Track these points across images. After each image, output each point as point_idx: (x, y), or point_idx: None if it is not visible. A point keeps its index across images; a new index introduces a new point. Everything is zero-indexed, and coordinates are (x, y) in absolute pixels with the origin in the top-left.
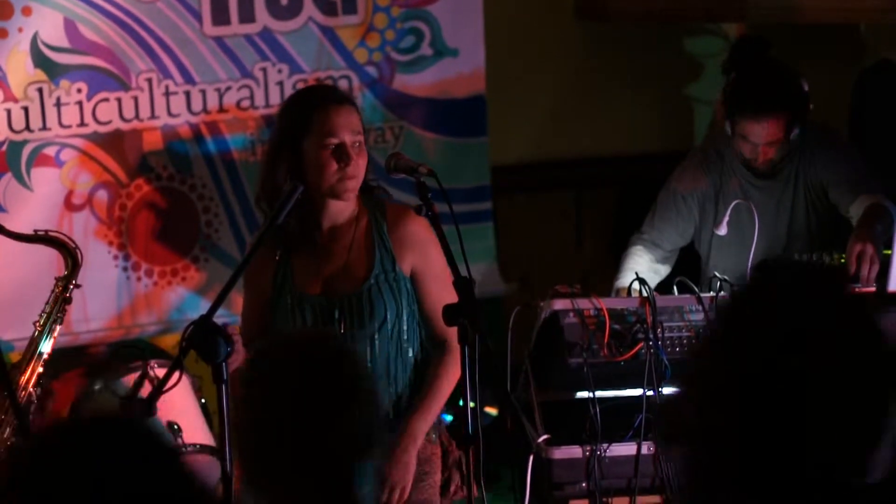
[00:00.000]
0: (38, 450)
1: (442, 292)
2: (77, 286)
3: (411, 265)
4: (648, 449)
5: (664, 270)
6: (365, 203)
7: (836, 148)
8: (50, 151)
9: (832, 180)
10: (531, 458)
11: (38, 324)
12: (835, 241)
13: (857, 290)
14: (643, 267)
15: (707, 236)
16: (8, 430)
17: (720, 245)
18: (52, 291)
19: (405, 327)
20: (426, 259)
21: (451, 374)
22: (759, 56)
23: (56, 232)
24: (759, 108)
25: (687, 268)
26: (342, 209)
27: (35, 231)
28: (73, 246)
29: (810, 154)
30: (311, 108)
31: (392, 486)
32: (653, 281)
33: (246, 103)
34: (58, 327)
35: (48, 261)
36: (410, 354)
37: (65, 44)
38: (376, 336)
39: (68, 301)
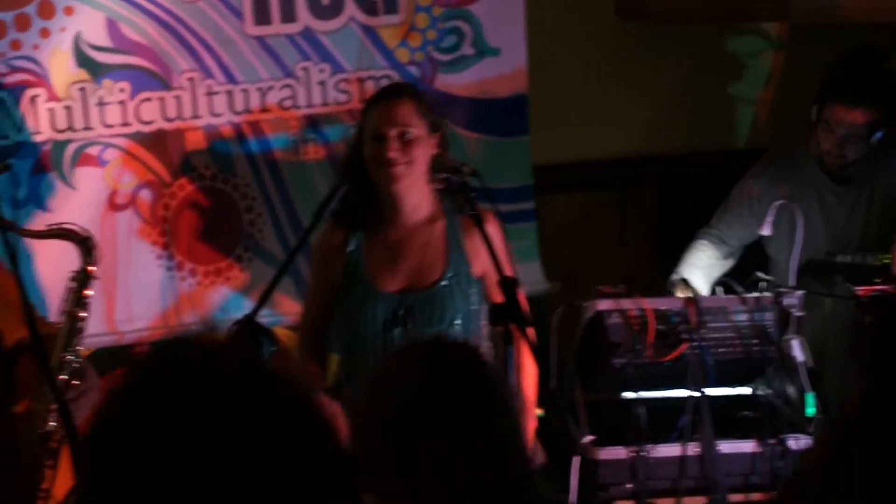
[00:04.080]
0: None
1: None
2: (95, 278)
3: (483, 268)
4: (693, 450)
5: (728, 265)
6: (444, 204)
7: None
8: (93, 151)
9: None
10: (576, 458)
11: (59, 323)
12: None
13: None
14: (704, 262)
15: (782, 238)
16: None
17: (773, 247)
18: (68, 288)
19: (472, 330)
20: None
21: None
22: (869, 55)
23: (69, 224)
24: (851, 97)
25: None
26: (415, 207)
27: (48, 226)
28: (86, 236)
29: (887, 162)
30: (366, 108)
31: None
32: (713, 276)
33: (288, 103)
34: (81, 325)
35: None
36: None
37: (107, 43)
38: (452, 335)
39: (87, 299)
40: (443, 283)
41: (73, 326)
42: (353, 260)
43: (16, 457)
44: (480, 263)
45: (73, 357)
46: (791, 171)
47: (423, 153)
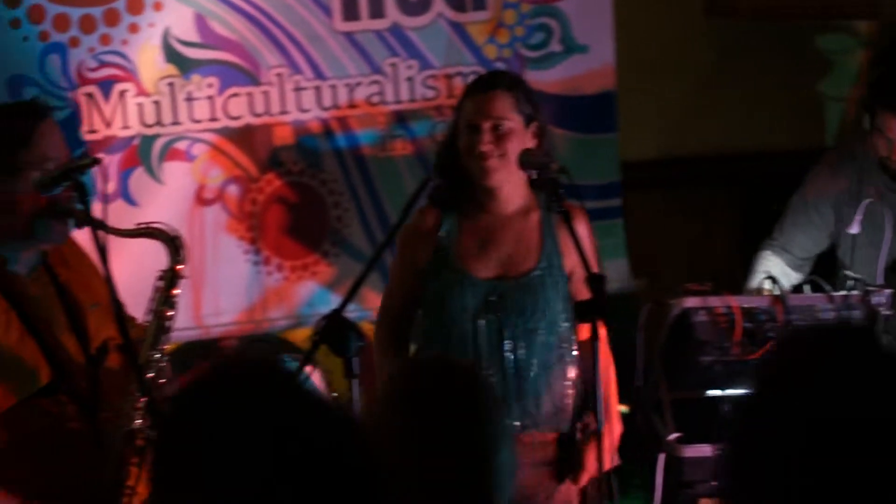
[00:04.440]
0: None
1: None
2: (183, 277)
3: (571, 265)
4: None
5: (795, 277)
6: (538, 197)
7: None
8: (181, 146)
9: None
10: (662, 455)
11: (146, 323)
12: None
13: None
14: (775, 270)
15: (847, 238)
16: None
17: (858, 246)
18: (156, 287)
19: (557, 324)
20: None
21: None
22: None
23: (158, 223)
24: None
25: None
26: (510, 197)
27: (137, 225)
28: (175, 235)
29: None
30: (462, 98)
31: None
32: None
33: (376, 98)
34: (168, 324)
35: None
36: (570, 354)
37: (196, 39)
38: (537, 329)
39: (174, 298)
40: (535, 273)
41: (161, 325)
42: (442, 244)
43: (102, 453)
44: (571, 260)
45: (160, 356)
46: (847, 172)
47: (518, 146)
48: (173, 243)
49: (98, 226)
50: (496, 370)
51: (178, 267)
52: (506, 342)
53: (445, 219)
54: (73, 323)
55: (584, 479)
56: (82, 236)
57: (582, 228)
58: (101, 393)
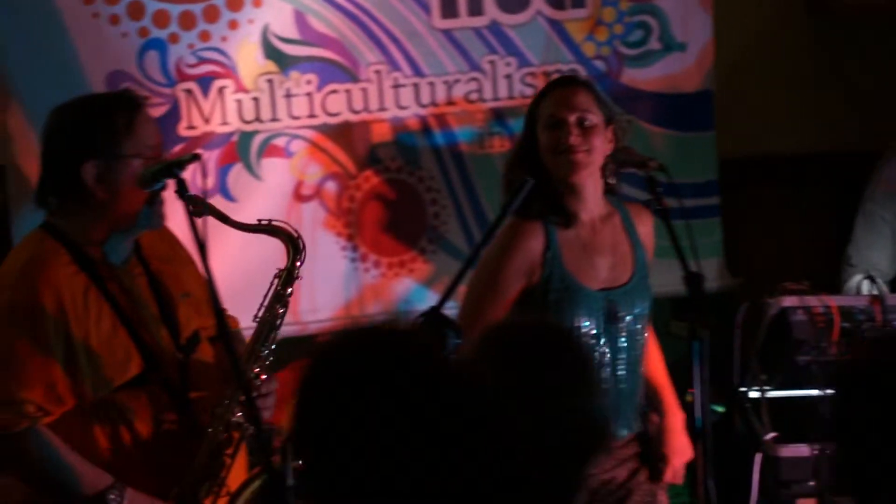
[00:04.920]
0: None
1: None
2: (298, 278)
3: (650, 259)
4: None
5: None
6: (612, 202)
7: None
8: (280, 142)
9: None
10: (759, 455)
11: (258, 318)
12: None
13: None
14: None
15: None
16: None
17: None
18: (271, 285)
19: (646, 319)
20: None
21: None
22: None
23: (279, 221)
24: None
25: None
26: (593, 199)
27: (259, 221)
28: (296, 236)
29: None
30: (539, 98)
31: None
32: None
33: (474, 96)
34: (279, 321)
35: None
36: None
37: (295, 35)
38: (637, 328)
39: (287, 297)
40: (635, 279)
41: (272, 322)
42: (548, 259)
43: (194, 442)
44: (649, 255)
45: (266, 351)
46: None
47: (601, 143)
48: (294, 243)
49: (219, 217)
50: (617, 378)
51: (296, 265)
52: (622, 352)
53: (550, 234)
54: (164, 313)
55: (673, 469)
56: (178, 228)
57: (650, 227)
58: (191, 382)
